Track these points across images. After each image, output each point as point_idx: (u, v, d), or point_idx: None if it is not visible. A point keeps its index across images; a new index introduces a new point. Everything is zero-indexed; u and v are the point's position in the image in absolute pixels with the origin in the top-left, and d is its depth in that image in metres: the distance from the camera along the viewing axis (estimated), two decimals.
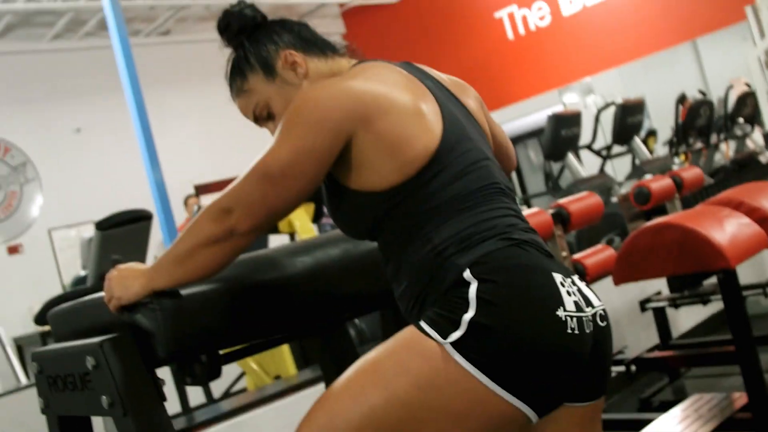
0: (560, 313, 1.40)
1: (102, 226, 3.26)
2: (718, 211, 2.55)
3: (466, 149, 1.54)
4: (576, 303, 1.43)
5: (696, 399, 3.00)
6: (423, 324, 1.43)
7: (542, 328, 1.39)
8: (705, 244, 2.38)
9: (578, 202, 3.11)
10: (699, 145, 6.78)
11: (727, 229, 2.45)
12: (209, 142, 10.01)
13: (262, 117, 1.70)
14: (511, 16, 9.30)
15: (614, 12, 8.41)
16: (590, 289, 1.55)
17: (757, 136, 7.18)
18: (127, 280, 1.58)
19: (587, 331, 1.44)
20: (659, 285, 4.16)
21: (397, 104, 1.52)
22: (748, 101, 7.03)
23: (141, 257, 3.38)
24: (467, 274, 1.42)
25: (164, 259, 1.55)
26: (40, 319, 3.09)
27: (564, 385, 1.44)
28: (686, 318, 4.55)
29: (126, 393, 1.65)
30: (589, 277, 3.10)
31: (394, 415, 1.41)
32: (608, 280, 3.35)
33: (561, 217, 3.05)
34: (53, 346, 1.96)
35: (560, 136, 5.69)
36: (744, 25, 10.67)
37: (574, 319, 1.41)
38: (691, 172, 3.78)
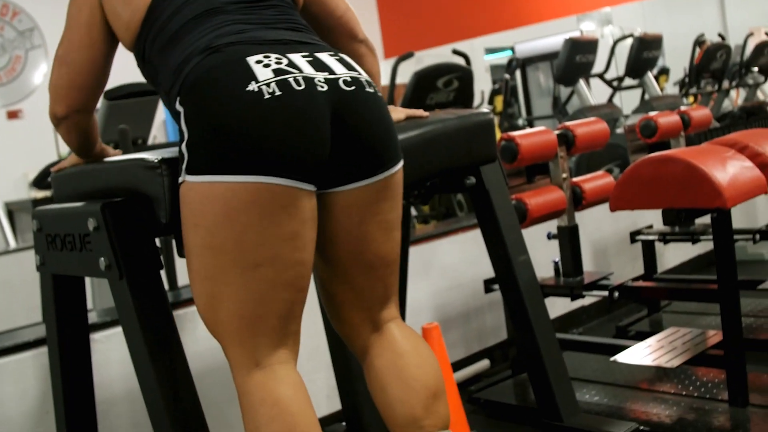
0: (252, 86, 1.44)
1: (110, 95, 3.26)
2: (722, 151, 2.57)
3: None
4: (279, 70, 1.47)
5: (672, 331, 3.06)
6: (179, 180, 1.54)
7: (236, 107, 1.43)
8: (705, 181, 2.39)
9: (585, 126, 3.12)
10: (710, 88, 6.74)
11: (728, 169, 2.46)
12: None
13: None
14: None
15: None
16: (340, 61, 1.59)
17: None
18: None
19: (298, 88, 1.46)
20: (651, 219, 4.20)
21: None
22: (765, 51, 6.95)
23: (146, 129, 3.39)
24: (178, 105, 1.52)
25: None
26: (38, 182, 3.10)
27: (297, 142, 1.46)
28: (673, 255, 4.61)
29: (124, 257, 1.68)
30: (586, 201, 3.13)
31: (210, 262, 1.51)
32: (602, 208, 3.39)
33: (566, 139, 3.06)
34: (55, 205, 1.98)
35: (574, 61, 5.65)
36: None
37: (272, 84, 1.44)
38: (699, 112, 3.78)
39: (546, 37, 11.05)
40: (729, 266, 2.63)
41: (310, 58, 1.54)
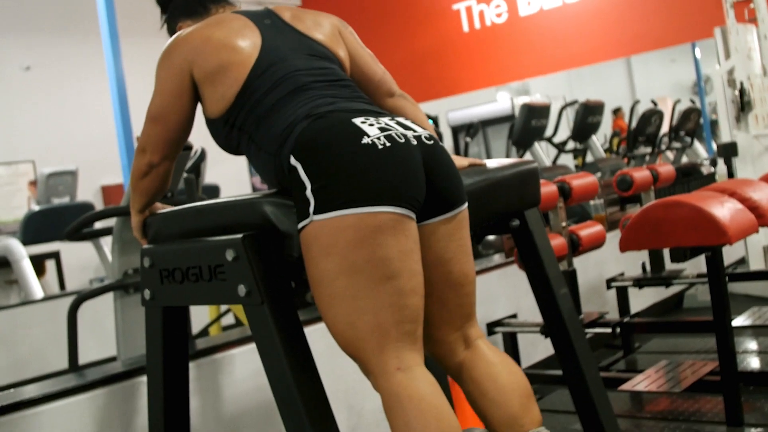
0: (365, 140, 1.75)
1: None
2: (718, 196, 2.92)
3: (275, 70, 1.96)
4: (381, 128, 1.79)
5: (666, 363, 3.39)
6: (299, 224, 1.80)
7: (357, 156, 1.74)
8: (711, 222, 2.74)
9: (579, 179, 3.46)
10: (642, 150, 7.24)
11: (727, 211, 2.81)
12: None
13: None
14: (469, 10, 9.56)
15: (570, 17, 8.73)
16: (413, 123, 1.92)
17: (695, 149, 7.69)
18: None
19: (401, 141, 1.78)
20: (619, 268, 4.57)
21: (217, 45, 1.98)
22: (692, 116, 7.54)
23: (176, 183, 3.56)
24: (293, 161, 1.80)
25: (130, 190, 2.20)
26: (72, 234, 3.23)
27: (407, 181, 1.77)
28: (635, 302, 4.97)
29: (263, 284, 1.89)
30: (582, 247, 3.45)
31: (345, 284, 1.76)
32: (581, 258, 3.72)
33: (563, 190, 3.40)
34: (167, 244, 2.17)
35: (530, 125, 6.05)
36: (674, 50, 11.29)
37: (382, 138, 1.76)
38: (665, 168, 4.19)
39: (461, 108, 11.57)
40: (723, 299, 2.98)
41: (394, 121, 1.87)
